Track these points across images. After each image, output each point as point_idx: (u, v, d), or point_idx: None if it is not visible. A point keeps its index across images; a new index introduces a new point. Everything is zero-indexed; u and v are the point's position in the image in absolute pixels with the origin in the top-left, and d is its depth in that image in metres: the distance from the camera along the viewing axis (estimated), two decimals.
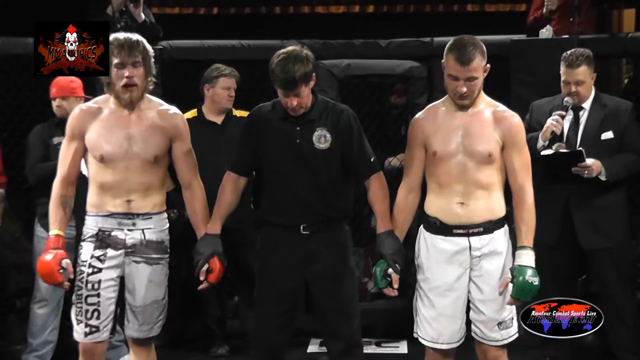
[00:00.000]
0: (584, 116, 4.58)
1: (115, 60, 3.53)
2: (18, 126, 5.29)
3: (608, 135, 4.53)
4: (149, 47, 3.63)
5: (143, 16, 5.31)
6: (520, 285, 3.38)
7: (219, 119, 5.06)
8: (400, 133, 5.75)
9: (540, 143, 4.48)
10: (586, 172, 4.40)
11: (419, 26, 6.97)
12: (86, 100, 4.78)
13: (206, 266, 3.62)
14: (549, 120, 4.47)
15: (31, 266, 4.83)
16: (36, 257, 4.77)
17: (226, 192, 3.74)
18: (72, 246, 3.90)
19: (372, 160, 3.74)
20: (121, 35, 3.60)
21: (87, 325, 3.59)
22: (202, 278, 3.64)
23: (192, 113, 5.07)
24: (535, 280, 3.39)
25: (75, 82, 4.78)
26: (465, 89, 3.45)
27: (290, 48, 3.63)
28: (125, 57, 3.53)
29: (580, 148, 4.44)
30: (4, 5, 6.42)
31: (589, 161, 4.39)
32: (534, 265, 3.42)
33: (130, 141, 3.58)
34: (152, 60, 3.64)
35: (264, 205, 3.77)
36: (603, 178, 4.44)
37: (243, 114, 4.94)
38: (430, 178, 3.60)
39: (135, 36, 3.61)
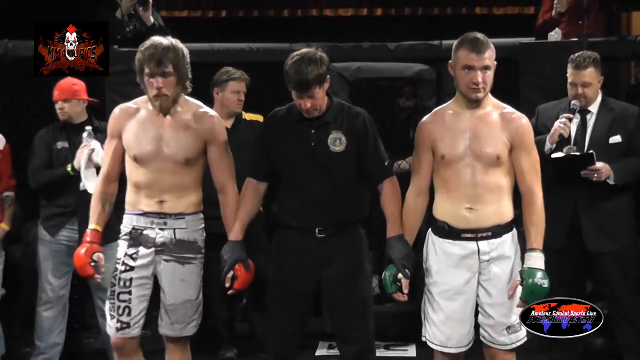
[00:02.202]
0: (591, 120, 4.56)
1: (146, 70, 3.55)
2: (27, 129, 5.29)
3: (616, 139, 4.51)
4: (182, 51, 3.59)
5: (152, 19, 5.32)
6: (530, 288, 3.37)
7: (228, 123, 5.02)
8: (409, 136, 5.74)
9: (547, 146, 4.46)
10: (596, 175, 4.39)
11: (427, 29, 6.96)
12: (90, 103, 4.79)
13: (231, 273, 3.64)
14: (557, 123, 4.46)
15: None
16: (39, 260, 4.79)
17: (247, 198, 3.73)
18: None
19: (386, 164, 3.73)
20: (151, 42, 3.57)
21: (118, 321, 3.66)
22: (227, 285, 3.66)
23: None
24: (545, 283, 3.38)
25: (78, 85, 4.70)
26: (481, 79, 3.44)
27: (304, 50, 3.62)
28: (154, 69, 3.53)
29: (592, 151, 4.44)
30: (11, 8, 6.45)
31: (599, 165, 4.38)
32: (544, 268, 3.41)
33: (161, 142, 3.61)
34: (188, 64, 3.62)
35: (279, 208, 3.77)
36: (612, 182, 4.43)
37: (253, 117, 4.94)
38: (438, 182, 3.60)
39: (166, 42, 3.57)
